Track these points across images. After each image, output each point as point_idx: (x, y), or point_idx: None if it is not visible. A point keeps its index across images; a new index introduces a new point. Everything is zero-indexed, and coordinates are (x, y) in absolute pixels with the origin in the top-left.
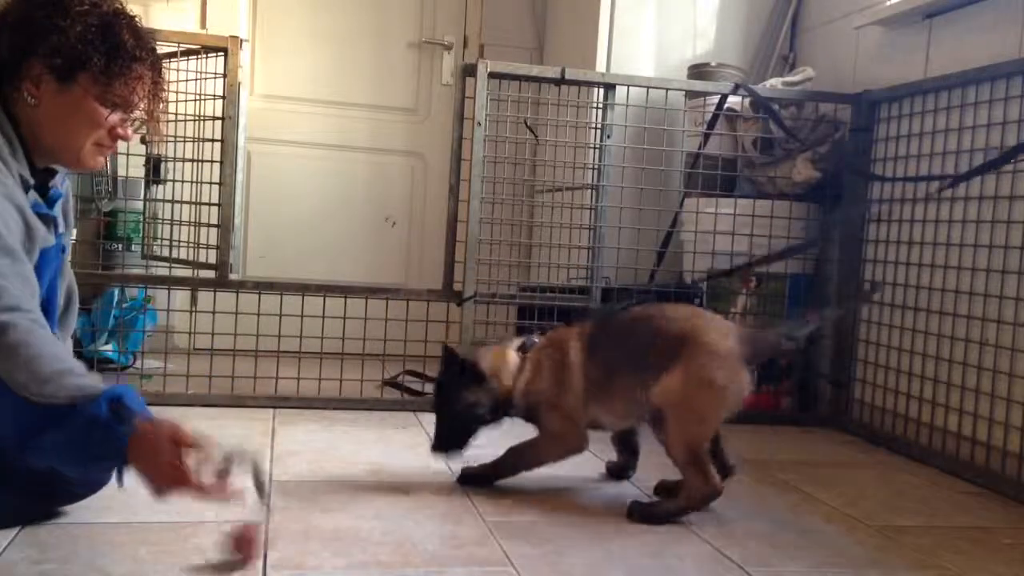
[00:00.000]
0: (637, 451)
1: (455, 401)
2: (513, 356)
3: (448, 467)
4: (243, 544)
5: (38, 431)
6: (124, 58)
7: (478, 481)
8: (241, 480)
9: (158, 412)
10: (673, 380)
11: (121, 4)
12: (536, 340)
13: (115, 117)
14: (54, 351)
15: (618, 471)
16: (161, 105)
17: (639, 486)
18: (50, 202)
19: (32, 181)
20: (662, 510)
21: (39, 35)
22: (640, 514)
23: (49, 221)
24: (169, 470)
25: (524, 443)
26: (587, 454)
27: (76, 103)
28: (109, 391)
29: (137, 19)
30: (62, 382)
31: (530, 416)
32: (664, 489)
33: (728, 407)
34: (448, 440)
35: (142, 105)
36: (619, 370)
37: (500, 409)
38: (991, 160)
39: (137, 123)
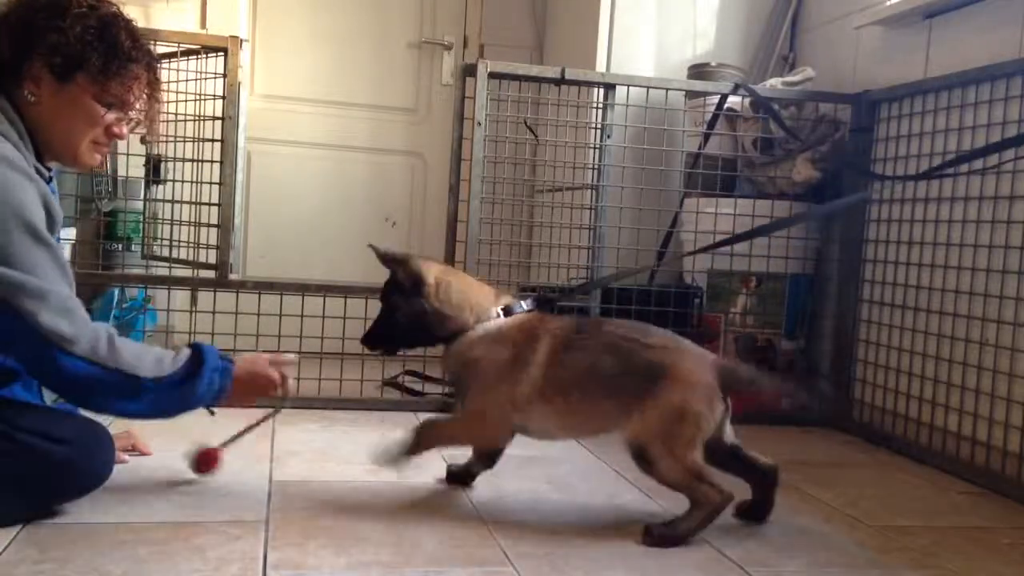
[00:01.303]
0: (493, 464)
1: (387, 297)
2: (484, 300)
3: (448, 466)
4: (205, 461)
5: (162, 395)
6: (120, 58)
7: (392, 458)
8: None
9: None
10: (653, 414)
11: (118, 8)
12: (522, 308)
13: (111, 116)
14: (134, 342)
15: (462, 476)
16: (157, 105)
17: (638, 486)
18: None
19: (46, 173)
20: (681, 530)
21: (39, 35)
22: (658, 537)
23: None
24: (268, 387)
25: (441, 419)
26: (592, 457)
27: (74, 101)
28: (205, 352)
29: (134, 22)
30: (160, 361)
31: (456, 380)
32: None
33: (705, 435)
34: (375, 336)
35: (138, 105)
36: (588, 386)
37: (435, 329)
38: (992, 144)
39: (133, 123)
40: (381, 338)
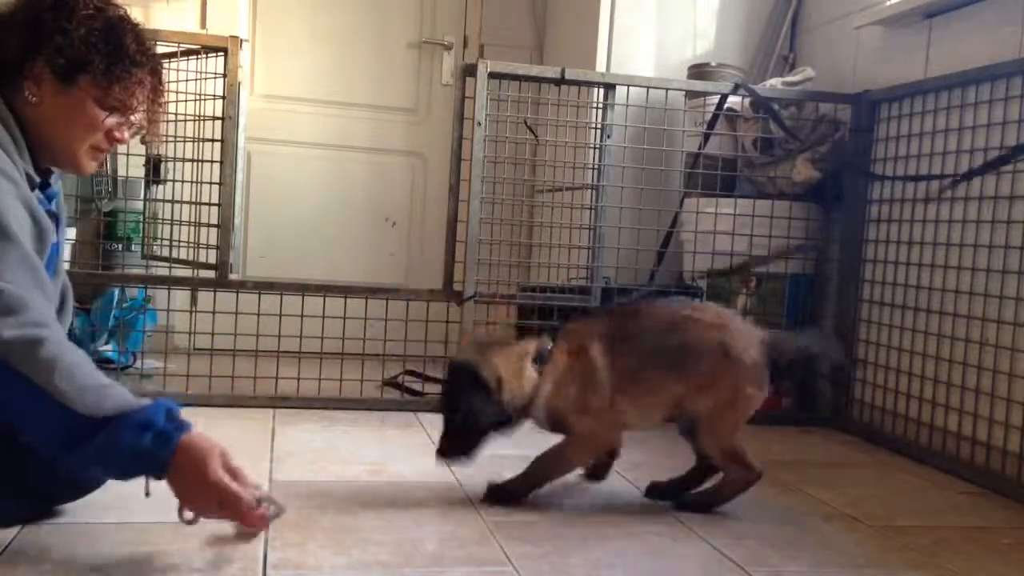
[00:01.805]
0: (616, 452)
1: (463, 410)
2: (530, 370)
3: (452, 473)
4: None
5: (81, 439)
6: (125, 62)
7: (507, 497)
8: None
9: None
10: (709, 394)
11: (126, 11)
12: (550, 346)
13: (112, 120)
14: (89, 366)
15: (595, 472)
16: (160, 110)
17: (638, 486)
18: (48, 199)
19: (38, 179)
20: (716, 498)
21: (45, 35)
22: (694, 505)
23: (54, 219)
24: (212, 490)
25: (552, 449)
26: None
27: (75, 104)
28: (155, 406)
29: (140, 26)
30: (105, 393)
31: (556, 426)
32: (656, 490)
33: (753, 409)
34: (453, 447)
35: (140, 109)
36: (650, 369)
37: (513, 419)
38: (992, 160)
39: (135, 128)
40: (463, 447)
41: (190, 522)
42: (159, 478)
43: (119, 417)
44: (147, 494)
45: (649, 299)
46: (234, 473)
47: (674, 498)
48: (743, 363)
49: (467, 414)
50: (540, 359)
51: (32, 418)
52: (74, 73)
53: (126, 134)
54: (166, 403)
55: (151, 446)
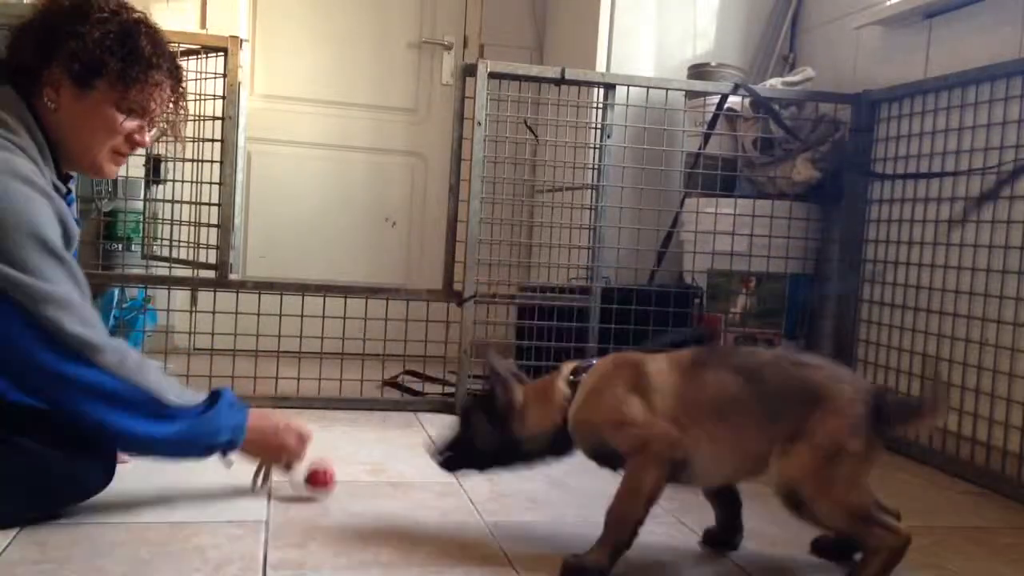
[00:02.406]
0: (739, 504)
1: (473, 428)
2: (561, 387)
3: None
4: (319, 479)
5: (167, 421)
6: (141, 65)
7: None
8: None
9: None
10: (804, 448)
11: (143, 14)
12: (594, 363)
13: (131, 123)
14: (160, 370)
15: (721, 536)
16: (181, 112)
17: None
18: (68, 205)
19: (63, 188)
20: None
21: (60, 41)
22: None
23: (77, 224)
24: (282, 450)
25: (616, 493)
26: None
27: (94, 109)
28: (223, 398)
29: (158, 28)
30: (184, 391)
31: (594, 449)
32: (711, 540)
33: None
34: (452, 458)
35: (160, 112)
36: (737, 412)
37: (540, 452)
38: (1003, 180)
39: (156, 131)
40: (461, 461)
41: (262, 483)
42: (236, 446)
43: (210, 404)
44: (227, 465)
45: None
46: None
47: (727, 544)
48: (846, 411)
49: (471, 435)
50: (576, 372)
51: (135, 410)
52: (90, 77)
53: (147, 137)
54: (228, 391)
55: (239, 419)
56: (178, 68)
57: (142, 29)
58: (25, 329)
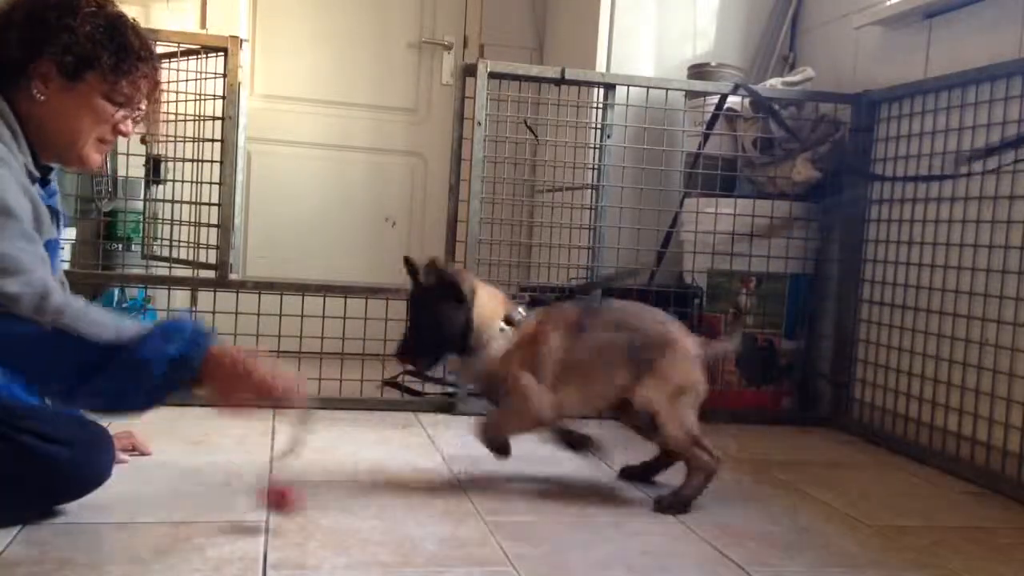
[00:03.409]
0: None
1: (434, 311)
2: (500, 323)
3: (452, 473)
4: (280, 501)
5: (106, 362)
6: (131, 58)
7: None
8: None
9: (160, 413)
10: (656, 382)
11: (120, 9)
12: (522, 315)
13: (120, 114)
14: (97, 308)
15: (643, 470)
16: (160, 103)
17: (638, 486)
18: (48, 196)
19: (37, 174)
20: (685, 495)
21: (50, 34)
22: (667, 504)
23: (54, 214)
24: (245, 380)
25: (500, 412)
26: (592, 457)
27: (83, 100)
28: (180, 319)
29: (136, 20)
30: (122, 323)
31: (490, 388)
32: (628, 473)
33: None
34: (414, 348)
35: (143, 103)
36: (596, 364)
37: (466, 342)
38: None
39: (139, 121)
40: (423, 349)
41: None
42: (194, 383)
43: (150, 332)
44: (196, 395)
45: (606, 301)
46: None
47: (643, 479)
48: (689, 352)
49: (437, 317)
50: (511, 321)
51: (45, 358)
52: (82, 70)
53: (131, 127)
54: (186, 318)
55: (186, 347)
56: (159, 61)
57: (127, 23)
58: None
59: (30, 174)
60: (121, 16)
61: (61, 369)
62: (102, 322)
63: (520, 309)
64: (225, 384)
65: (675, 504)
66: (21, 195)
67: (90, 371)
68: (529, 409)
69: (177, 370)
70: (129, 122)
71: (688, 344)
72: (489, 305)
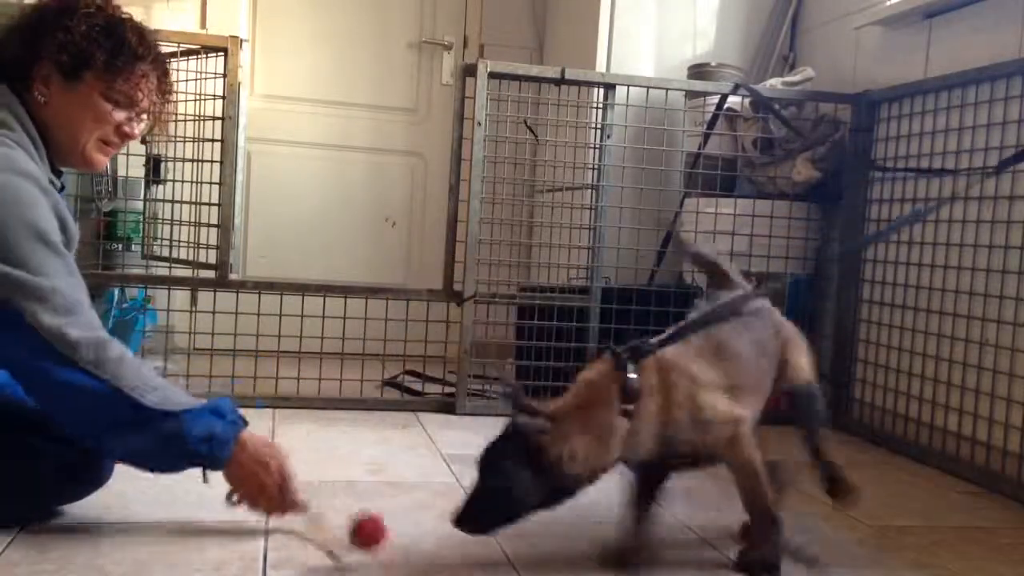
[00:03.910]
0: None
1: (503, 477)
2: (618, 419)
3: (452, 473)
4: (368, 537)
5: (139, 425)
6: (127, 56)
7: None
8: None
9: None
10: (801, 361)
11: (128, 13)
12: (633, 375)
13: (121, 115)
14: (149, 367)
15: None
16: (168, 105)
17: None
18: None
19: (58, 183)
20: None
21: (48, 35)
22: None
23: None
24: (265, 491)
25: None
26: None
27: (82, 100)
28: (213, 405)
29: (144, 24)
30: (170, 390)
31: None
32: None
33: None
34: (476, 518)
35: (147, 104)
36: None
37: (585, 486)
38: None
39: (144, 123)
40: (493, 524)
41: (235, 504)
42: (216, 469)
43: (188, 410)
44: (205, 480)
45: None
46: (285, 477)
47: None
48: (793, 330)
49: (507, 490)
50: (626, 393)
51: (82, 405)
52: (78, 69)
53: (135, 129)
54: (227, 401)
55: (222, 431)
56: (164, 61)
57: (127, 23)
58: (11, 329)
59: (52, 183)
60: (123, 16)
61: (97, 422)
62: (151, 383)
63: (626, 370)
64: (241, 486)
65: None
66: (51, 215)
67: (124, 428)
68: (743, 423)
69: (206, 457)
70: (134, 124)
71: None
72: (593, 434)
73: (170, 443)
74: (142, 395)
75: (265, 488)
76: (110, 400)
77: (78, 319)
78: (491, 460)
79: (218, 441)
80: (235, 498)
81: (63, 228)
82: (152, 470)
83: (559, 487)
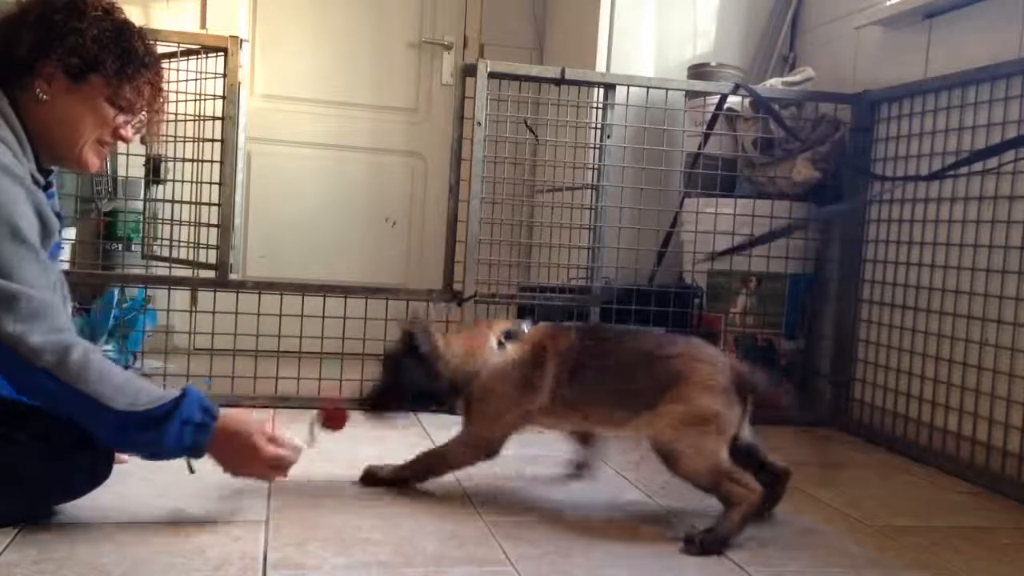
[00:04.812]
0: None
1: (395, 371)
2: (492, 345)
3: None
4: (333, 418)
5: (128, 430)
6: (135, 63)
7: (383, 483)
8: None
9: None
10: (667, 418)
11: (127, 16)
12: (525, 329)
13: (121, 118)
14: (114, 365)
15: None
16: (162, 110)
17: (638, 485)
18: (49, 198)
19: (42, 180)
20: (722, 533)
21: (58, 36)
22: (700, 544)
23: (59, 219)
24: (263, 462)
25: (440, 448)
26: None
27: (85, 102)
28: (188, 400)
29: (143, 30)
30: (137, 387)
31: (467, 404)
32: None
33: (727, 436)
34: (379, 402)
35: (144, 109)
36: (600, 399)
37: (457, 392)
38: (987, 148)
39: (139, 126)
40: (388, 404)
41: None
42: (198, 456)
43: (162, 416)
44: (191, 471)
45: (625, 330)
46: (274, 439)
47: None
48: (706, 383)
49: (398, 376)
50: (509, 335)
51: (58, 408)
52: (86, 72)
53: (131, 132)
54: (196, 393)
55: (192, 439)
56: (162, 67)
57: (133, 29)
58: None
59: (35, 180)
60: (128, 22)
61: (78, 420)
62: (119, 385)
63: (525, 325)
64: (231, 462)
65: (710, 542)
66: (31, 211)
67: (100, 431)
68: (484, 451)
69: (186, 449)
70: (130, 127)
71: (709, 373)
72: (464, 347)
73: (147, 447)
74: (110, 401)
75: (257, 457)
76: (77, 404)
77: (42, 324)
78: (388, 356)
79: (196, 439)
80: (194, 468)
81: (43, 223)
82: (138, 456)
83: (439, 377)
